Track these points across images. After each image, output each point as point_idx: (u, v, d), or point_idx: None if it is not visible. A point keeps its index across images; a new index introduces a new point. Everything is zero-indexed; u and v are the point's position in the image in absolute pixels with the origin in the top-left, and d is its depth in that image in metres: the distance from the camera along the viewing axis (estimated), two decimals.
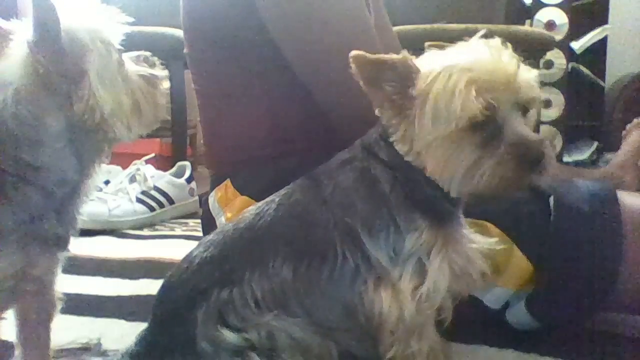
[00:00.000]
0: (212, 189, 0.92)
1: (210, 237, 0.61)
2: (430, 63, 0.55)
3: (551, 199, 0.74)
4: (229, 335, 0.53)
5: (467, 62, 0.53)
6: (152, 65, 0.63)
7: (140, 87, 0.60)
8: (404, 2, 2.22)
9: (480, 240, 0.61)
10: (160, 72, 0.63)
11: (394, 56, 0.56)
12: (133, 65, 0.61)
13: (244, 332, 0.53)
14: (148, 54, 0.63)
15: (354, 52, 0.55)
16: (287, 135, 0.85)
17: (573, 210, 0.72)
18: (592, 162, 2.64)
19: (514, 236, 0.70)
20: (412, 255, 0.56)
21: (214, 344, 0.53)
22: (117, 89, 0.58)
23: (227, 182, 0.88)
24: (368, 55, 0.55)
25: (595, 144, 2.73)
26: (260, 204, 0.61)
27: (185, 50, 0.93)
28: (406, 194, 0.57)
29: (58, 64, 0.53)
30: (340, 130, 0.80)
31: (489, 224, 0.70)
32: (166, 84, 0.63)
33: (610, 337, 0.77)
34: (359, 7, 0.79)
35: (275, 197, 0.61)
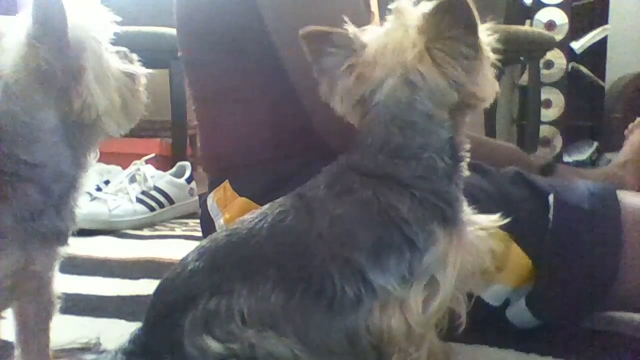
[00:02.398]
0: (210, 190, 0.92)
1: (204, 243, 0.60)
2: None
3: (550, 197, 0.74)
4: (214, 344, 0.53)
5: None
6: (132, 61, 0.63)
7: (126, 85, 0.60)
8: None
9: (482, 221, 0.61)
10: (141, 68, 0.63)
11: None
12: (119, 62, 0.61)
13: (228, 343, 0.54)
14: (126, 49, 0.63)
15: (304, 29, 0.58)
16: (287, 138, 0.85)
17: (573, 208, 0.72)
18: (592, 162, 2.64)
19: (512, 234, 0.70)
20: (427, 271, 0.55)
21: (200, 350, 0.54)
22: (109, 86, 0.58)
23: (226, 183, 0.88)
24: (316, 27, 0.59)
25: (595, 144, 2.74)
26: (254, 215, 0.60)
27: (179, 54, 0.93)
28: (424, 207, 0.56)
29: (62, 59, 0.53)
30: (324, 136, 0.80)
31: None
32: (144, 80, 0.63)
33: (610, 337, 0.77)
34: (359, 6, 0.79)
35: (268, 213, 0.59)
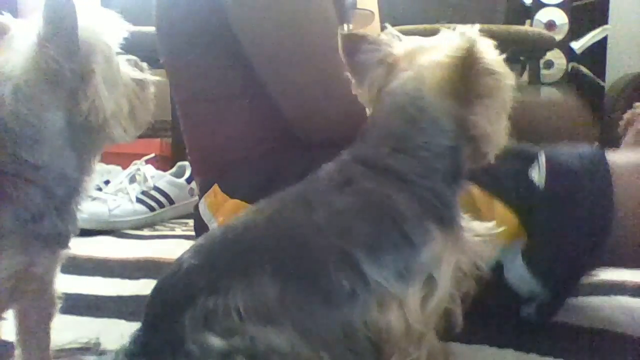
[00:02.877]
0: (201, 195, 0.92)
1: (199, 241, 0.60)
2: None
3: (541, 156, 0.76)
4: (216, 341, 0.53)
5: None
6: (142, 69, 0.63)
7: (134, 91, 0.61)
8: (404, 2, 2.22)
9: (478, 228, 0.61)
10: (150, 76, 0.63)
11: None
12: (129, 69, 0.61)
13: (229, 339, 0.53)
14: (136, 58, 0.63)
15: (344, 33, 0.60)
16: (272, 133, 0.86)
17: (564, 167, 0.75)
18: None
19: (494, 192, 0.71)
20: (424, 268, 0.55)
21: (201, 347, 0.53)
22: (118, 91, 0.58)
23: (215, 187, 0.88)
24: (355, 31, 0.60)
25: (596, 144, 2.73)
26: (250, 211, 0.60)
27: (162, 61, 0.94)
28: (422, 205, 0.56)
29: (71, 60, 0.53)
30: (305, 136, 0.83)
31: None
32: (153, 89, 0.63)
33: (610, 337, 0.77)
34: (326, 10, 0.81)
35: (266, 208, 0.59)
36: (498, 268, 0.75)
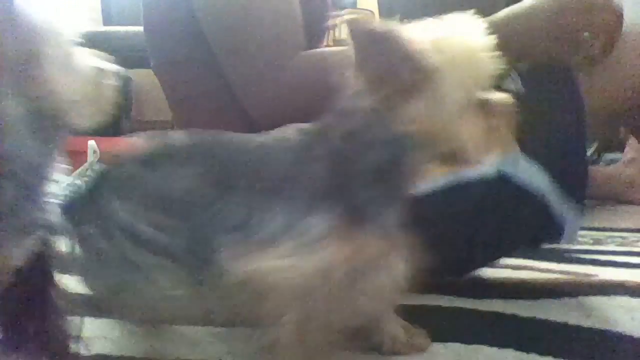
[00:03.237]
0: None
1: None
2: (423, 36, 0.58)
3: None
4: (123, 214, 0.57)
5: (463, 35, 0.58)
6: (104, 60, 0.64)
7: (93, 79, 0.61)
8: (404, 2, 2.22)
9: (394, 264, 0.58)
10: (110, 66, 0.64)
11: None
12: (86, 57, 0.61)
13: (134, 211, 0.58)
14: (102, 53, 0.64)
15: (348, 17, 0.57)
16: (255, 125, 0.87)
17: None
18: (592, 162, 2.63)
19: None
20: (312, 237, 0.53)
21: (108, 210, 0.58)
22: (74, 77, 0.59)
23: None
24: (366, 24, 0.56)
25: (596, 144, 2.73)
26: None
27: (152, 64, 0.95)
28: (330, 185, 0.55)
29: (13, 41, 0.53)
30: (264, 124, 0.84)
31: None
32: (113, 80, 0.64)
33: (610, 337, 0.77)
34: (289, 9, 0.83)
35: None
36: (507, 184, 0.79)
